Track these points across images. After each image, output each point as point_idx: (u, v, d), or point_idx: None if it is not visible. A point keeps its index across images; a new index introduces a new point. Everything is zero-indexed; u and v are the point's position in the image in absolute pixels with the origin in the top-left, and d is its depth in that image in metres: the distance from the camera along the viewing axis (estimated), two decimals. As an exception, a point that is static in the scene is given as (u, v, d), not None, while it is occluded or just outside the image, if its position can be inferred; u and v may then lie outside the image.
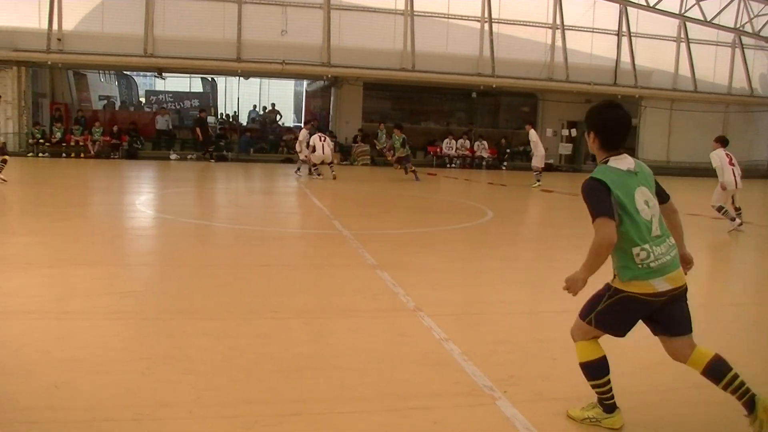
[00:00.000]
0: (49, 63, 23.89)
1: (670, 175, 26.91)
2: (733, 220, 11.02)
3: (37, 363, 3.95)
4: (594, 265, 3.30)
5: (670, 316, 3.35)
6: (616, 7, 27.76)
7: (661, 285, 3.24)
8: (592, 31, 27.90)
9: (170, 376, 3.83)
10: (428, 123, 29.98)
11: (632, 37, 27.81)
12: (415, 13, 25.77)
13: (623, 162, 3.44)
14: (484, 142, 27.87)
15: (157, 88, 31.60)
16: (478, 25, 26.67)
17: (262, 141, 27.57)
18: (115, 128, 25.42)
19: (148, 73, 31.16)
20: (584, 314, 3.54)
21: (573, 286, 3.39)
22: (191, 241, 8.63)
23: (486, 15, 26.36)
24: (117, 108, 30.22)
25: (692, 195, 20.02)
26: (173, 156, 25.49)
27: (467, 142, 27.79)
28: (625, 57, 27.91)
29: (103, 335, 4.52)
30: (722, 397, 3.36)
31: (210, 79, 31.28)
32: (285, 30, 25.04)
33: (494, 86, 26.43)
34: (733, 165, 11.02)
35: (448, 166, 27.15)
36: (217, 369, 3.96)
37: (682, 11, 28.47)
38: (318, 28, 25.25)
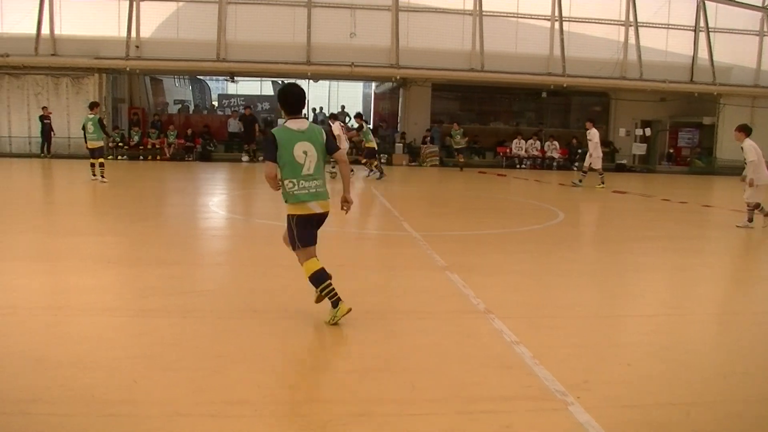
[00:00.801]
0: (128, 69, 24.80)
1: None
2: (751, 220, 10.68)
3: (116, 359, 4.09)
4: (271, 188, 5.05)
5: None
6: (692, 2, 26.83)
7: (315, 207, 5.00)
8: (668, 27, 27.02)
9: (243, 374, 3.90)
10: (497, 123, 29.67)
11: (710, 32, 26.77)
12: (484, 13, 25.55)
13: (296, 124, 4.91)
14: (555, 143, 27.43)
15: (229, 92, 32.31)
16: (548, 23, 26.24)
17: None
18: (189, 131, 26.15)
19: (221, 78, 31.89)
20: (293, 246, 5.12)
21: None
22: (263, 241, 8.78)
23: (556, 13, 25.92)
24: (191, 112, 31.08)
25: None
26: (245, 158, 26.00)
27: (537, 142, 27.40)
28: (703, 53, 26.88)
29: (180, 333, 4.65)
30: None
31: (280, 82, 31.77)
32: (354, 32, 25.23)
33: (565, 86, 25.95)
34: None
35: (518, 166, 26.83)
36: (288, 368, 4.02)
37: (766, 3, 27.29)
38: (386, 30, 25.33)
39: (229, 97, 31.74)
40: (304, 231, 5.00)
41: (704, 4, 26.80)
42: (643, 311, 5.87)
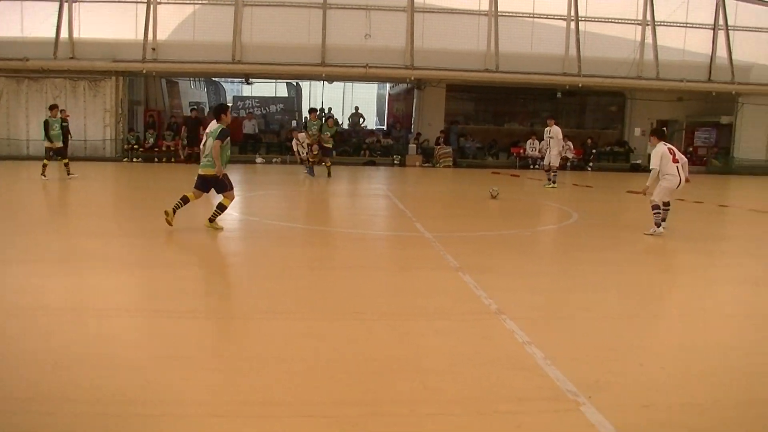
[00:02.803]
0: (144, 72, 24.99)
1: (768, 175, 25.67)
2: (658, 225, 10.12)
3: (131, 359, 4.14)
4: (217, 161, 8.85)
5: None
6: (711, 0, 26.59)
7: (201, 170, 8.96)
8: (686, 26, 26.78)
9: (259, 375, 3.93)
10: (512, 124, 29.58)
11: (729, 31, 26.51)
12: (500, 14, 25.49)
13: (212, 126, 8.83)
14: (569, 143, 27.25)
15: (244, 94, 32.42)
16: (563, 23, 26.13)
17: (344, 144, 27.81)
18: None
19: (236, 80, 32.01)
20: (225, 190, 9.02)
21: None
22: (277, 242, 8.83)
23: (572, 13, 25.81)
24: (206, 114, 31.20)
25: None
26: (259, 159, 26.11)
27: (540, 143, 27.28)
28: (721, 52, 26.61)
29: (193, 334, 4.70)
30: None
31: (295, 83, 31.85)
32: (368, 34, 25.25)
33: (580, 86, 25.82)
34: (677, 161, 10.20)
35: (532, 167, 26.72)
36: (302, 369, 4.04)
37: (787, 0, 27.01)
38: (401, 31, 25.33)
39: (244, 99, 31.83)
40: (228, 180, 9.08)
41: (723, 2, 26.54)
42: (656, 312, 5.85)
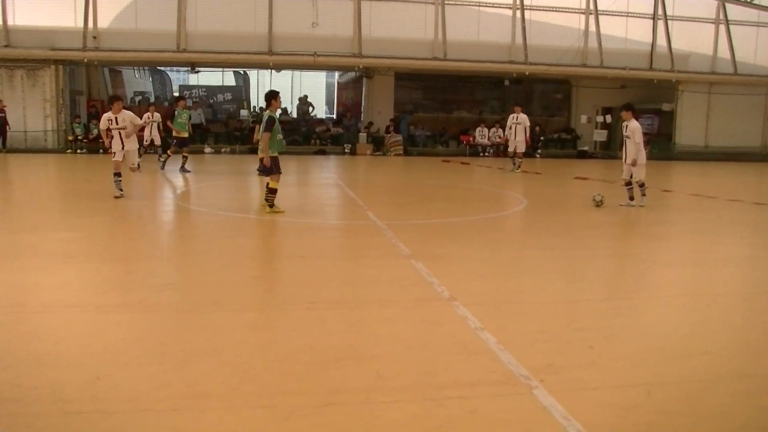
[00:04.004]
0: (85, 61, 24.28)
1: (707, 160, 26.41)
2: (632, 199, 11.42)
3: (78, 355, 4.03)
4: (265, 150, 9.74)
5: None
6: (651, -10, 27.22)
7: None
8: (627, 15, 27.36)
9: (207, 367, 3.87)
10: (461, 112, 29.76)
11: (668, 20, 27.20)
12: (446, 2, 25.58)
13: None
14: (501, 130, 27.59)
15: (191, 83, 31.86)
16: (510, 12, 26.37)
17: (294, 133, 27.57)
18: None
19: (182, 69, 31.42)
20: (271, 173, 9.77)
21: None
22: (226, 233, 8.71)
23: (518, 2, 26.06)
24: (151, 103, 30.56)
25: (734, 180, 19.65)
26: (207, 150, 25.71)
27: (500, 130, 27.55)
28: (661, 41, 27.30)
29: (141, 328, 4.60)
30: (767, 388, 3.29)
31: (242, 72, 31.44)
32: (316, 22, 25.05)
33: (527, 74, 26.12)
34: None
35: (481, 155, 26.96)
36: (253, 360, 3.99)
37: (721, -8, 27.80)
38: (349, 19, 25.20)
39: (190, 88, 31.27)
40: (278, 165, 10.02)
41: (662, -8, 27.20)
42: (604, 295, 5.96)
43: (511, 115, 19.31)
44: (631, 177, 11.37)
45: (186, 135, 17.83)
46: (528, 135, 19.62)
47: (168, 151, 18.03)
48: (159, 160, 17.92)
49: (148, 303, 5.17)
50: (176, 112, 18.05)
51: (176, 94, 31.99)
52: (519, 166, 18.93)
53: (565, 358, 4.12)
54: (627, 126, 11.39)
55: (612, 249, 8.28)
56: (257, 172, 12.99)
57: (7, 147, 23.41)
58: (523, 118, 19.02)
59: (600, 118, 28.46)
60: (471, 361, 4.03)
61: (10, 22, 23.52)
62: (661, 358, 4.19)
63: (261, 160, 10.09)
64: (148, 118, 20.43)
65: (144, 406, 3.33)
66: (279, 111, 9.86)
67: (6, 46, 23.37)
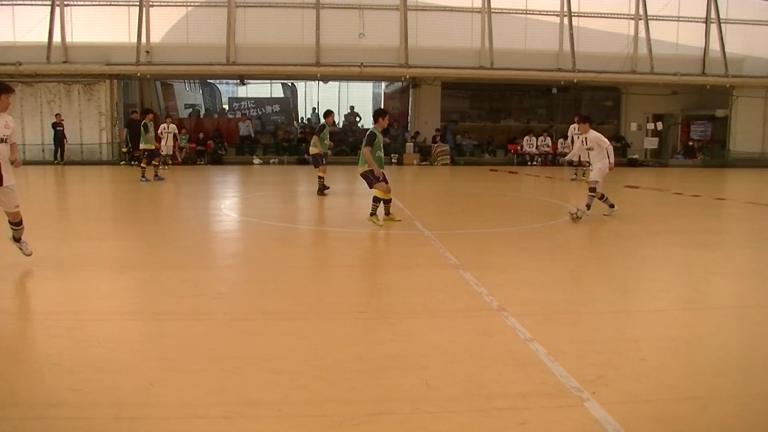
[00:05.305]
0: (139, 75, 24.93)
1: (765, 167, 25.67)
2: (612, 206, 11.17)
3: (132, 362, 4.13)
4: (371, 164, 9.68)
5: None
6: (702, -6, 26.65)
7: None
8: (678, 20, 26.84)
9: (258, 375, 3.92)
10: (508, 121, 29.61)
11: (722, 24, 26.55)
12: (492, 11, 25.50)
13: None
14: (567, 142, 27.33)
15: (240, 95, 32.41)
16: (557, 19, 26.15)
17: (342, 143, 27.77)
18: (200, 135, 26.24)
19: (231, 81, 31.99)
20: (373, 184, 9.76)
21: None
22: (275, 243, 8.81)
23: (565, 9, 25.83)
24: (201, 116, 31.20)
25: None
26: (256, 161, 26.09)
27: (548, 139, 27.29)
28: (714, 45, 26.65)
29: (194, 335, 4.68)
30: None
31: (290, 84, 31.84)
32: (362, 33, 25.25)
33: (575, 81, 25.85)
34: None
35: (529, 163, 26.74)
36: (303, 369, 4.03)
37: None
38: (395, 30, 25.34)
39: (239, 100, 31.83)
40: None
41: (714, -5, 26.61)
42: (658, 306, 5.84)
43: (572, 126, 19.15)
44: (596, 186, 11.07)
45: (153, 147, 18.44)
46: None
47: (142, 164, 18.20)
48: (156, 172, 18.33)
49: (200, 311, 5.26)
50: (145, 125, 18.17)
51: (225, 106, 32.60)
52: (581, 174, 19.01)
53: (617, 370, 4.05)
54: (587, 138, 11.23)
55: (664, 258, 8.10)
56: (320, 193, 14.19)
57: (65, 159, 24.15)
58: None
59: (651, 126, 27.95)
60: (521, 373, 4.00)
61: (68, 39, 24.33)
62: (717, 371, 4.09)
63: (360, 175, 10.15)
64: (164, 129, 20.97)
65: (196, 413, 3.39)
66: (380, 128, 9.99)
67: (64, 62, 24.17)
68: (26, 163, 24.28)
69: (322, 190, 14.29)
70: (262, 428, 3.26)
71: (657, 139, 28.13)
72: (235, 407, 3.46)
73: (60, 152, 24.16)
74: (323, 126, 14.34)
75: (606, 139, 11.15)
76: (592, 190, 10.99)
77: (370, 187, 9.98)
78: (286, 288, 6.22)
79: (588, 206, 10.85)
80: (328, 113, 14.76)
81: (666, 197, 14.57)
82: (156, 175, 17.97)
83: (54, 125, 24.07)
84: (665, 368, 4.14)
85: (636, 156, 27.59)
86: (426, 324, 5.03)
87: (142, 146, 18.15)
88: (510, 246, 8.71)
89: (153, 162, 18.34)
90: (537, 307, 5.57)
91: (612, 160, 11.03)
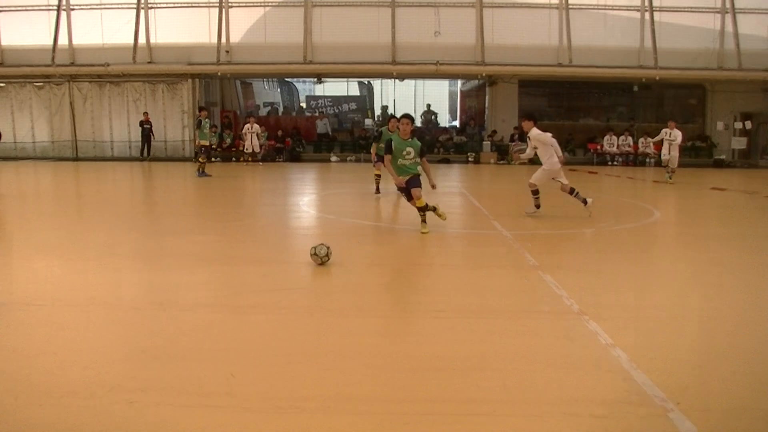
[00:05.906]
0: (219, 74, 25.66)
1: None
2: (585, 202, 10.85)
3: (215, 352, 4.27)
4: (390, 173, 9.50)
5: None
6: (796, -16, 25.43)
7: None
8: (768, 13, 25.70)
9: (344, 370, 3.97)
10: (587, 119, 29.03)
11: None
12: (570, 6, 25.05)
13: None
14: (649, 139, 26.57)
15: (317, 93, 32.87)
16: (637, 14, 25.46)
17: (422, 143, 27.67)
18: (279, 133, 26.77)
19: (308, 79, 32.48)
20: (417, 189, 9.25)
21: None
22: (353, 240, 8.91)
23: (646, 3, 25.10)
24: (280, 114, 31.81)
25: None
26: (333, 158, 26.44)
27: (629, 138, 26.58)
28: (809, 38, 25.42)
29: (273, 329, 4.79)
30: None
31: (366, 82, 32.08)
32: (438, 31, 25.23)
33: (657, 78, 25.11)
34: None
35: (610, 163, 26.14)
36: (385, 366, 4.07)
37: None
38: (471, 27, 25.20)
39: (316, 98, 32.29)
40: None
41: (809, -16, 25.35)
42: (749, 316, 5.63)
43: (664, 130, 19.05)
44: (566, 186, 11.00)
45: (207, 143, 19.00)
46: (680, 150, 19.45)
47: (200, 159, 18.88)
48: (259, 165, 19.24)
49: (280, 305, 5.38)
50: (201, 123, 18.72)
51: (303, 104, 33.10)
52: (671, 176, 18.88)
53: (702, 381, 3.93)
54: (531, 137, 10.96)
55: (752, 264, 7.79)
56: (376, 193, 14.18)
57: (151, 155, 25.10)
58: (677, 134, 18.84)
59: (738, 125, 26.85)
60: (602, 379, 3.93)
61: (152, 40, 25.25)
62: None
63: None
64: (248, 129, 21.53)
65: (280, 405, 3.47)
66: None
67: (149, 62, 25.11)
68: (114, 159, 25.39)
69: (378, 189, 14.29)
70: (350, 423, 3.31)
71: (745, 138, 27.02)
72: (327, 402, 3.51)
73: (147, 149, 25.12)
74: (381, 133, 13.92)
75: (550, 135, 11.05)
76: (534, 193, 11.18)
77: (409, 199, 9.58)
78: (364, 285, 6.29)
79: (537, 206, 11.04)
80: (390, 118, 14.27)
81: (756, 200, 13.98)
82: (203, 171, 18.50)
83: (141, 123, 25.06)
84: (754, 380, 3.99)
85: (723, 156, 26.60)
86: (505, 325, 4.99)
87: (199, 142, 18.85)
88: (590, 248, 8.56)
89: (199, 159, 18.91)
90: (618, 312, 5.45)
91: (560, 154, 11.05)
